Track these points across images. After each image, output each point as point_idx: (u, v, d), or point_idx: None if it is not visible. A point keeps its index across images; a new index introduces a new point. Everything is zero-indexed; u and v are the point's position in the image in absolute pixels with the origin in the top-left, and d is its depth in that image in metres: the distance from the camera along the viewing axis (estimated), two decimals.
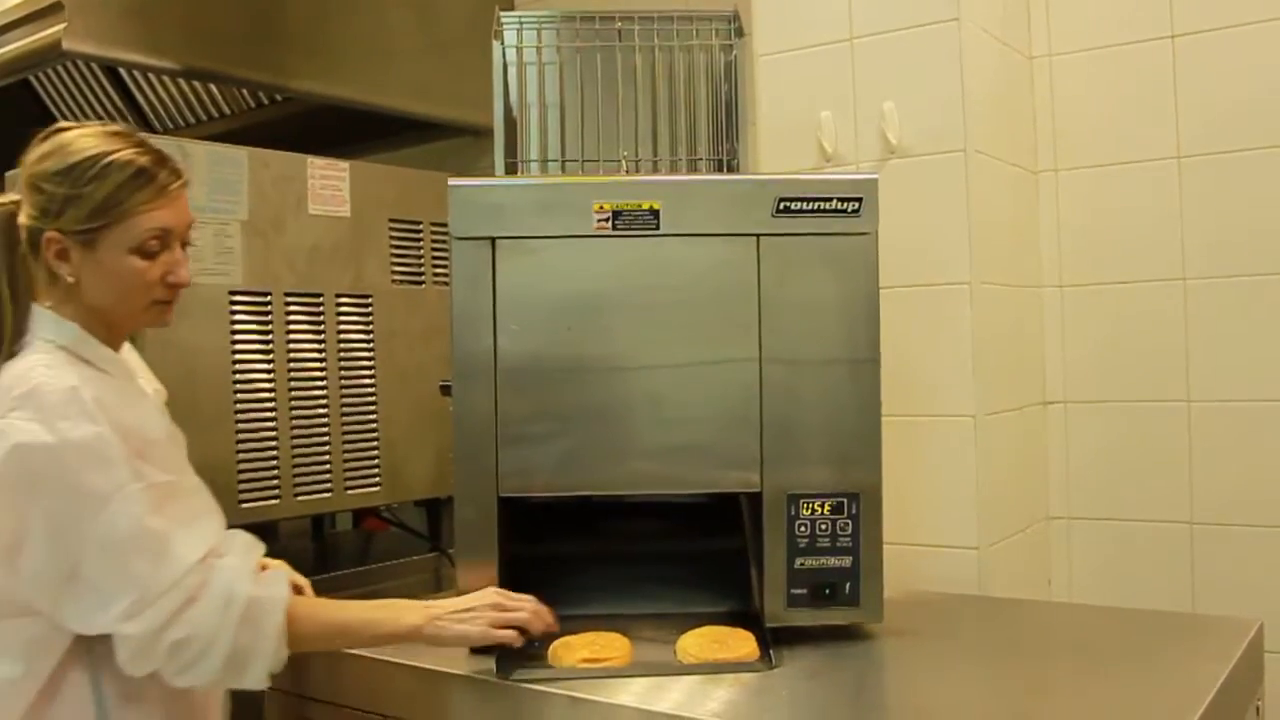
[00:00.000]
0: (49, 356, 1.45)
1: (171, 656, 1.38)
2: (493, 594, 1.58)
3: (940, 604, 1.96)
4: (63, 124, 1.52)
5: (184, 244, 1.55)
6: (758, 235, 1.68)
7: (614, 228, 1.67)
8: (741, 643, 1.61)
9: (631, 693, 1.49)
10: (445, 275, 2.41)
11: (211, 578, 1.41)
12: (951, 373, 2.07)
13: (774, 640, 1.65)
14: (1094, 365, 2.31)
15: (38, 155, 1.49)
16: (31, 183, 1.48)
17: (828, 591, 1.69)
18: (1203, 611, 2.18)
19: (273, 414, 2.12)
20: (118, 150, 1.47)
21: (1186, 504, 2.23)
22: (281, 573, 1.52)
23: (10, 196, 1.52)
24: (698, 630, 1.66)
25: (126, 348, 1.61)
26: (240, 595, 1.41)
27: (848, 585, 1.69)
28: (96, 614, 1.38)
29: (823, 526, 1.69)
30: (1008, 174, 2.23)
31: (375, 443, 2.30)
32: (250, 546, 1.50)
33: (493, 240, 1.68)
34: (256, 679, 1.43)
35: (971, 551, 2.07)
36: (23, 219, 1.49)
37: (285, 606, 1.44)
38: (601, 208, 1.67)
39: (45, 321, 1.49)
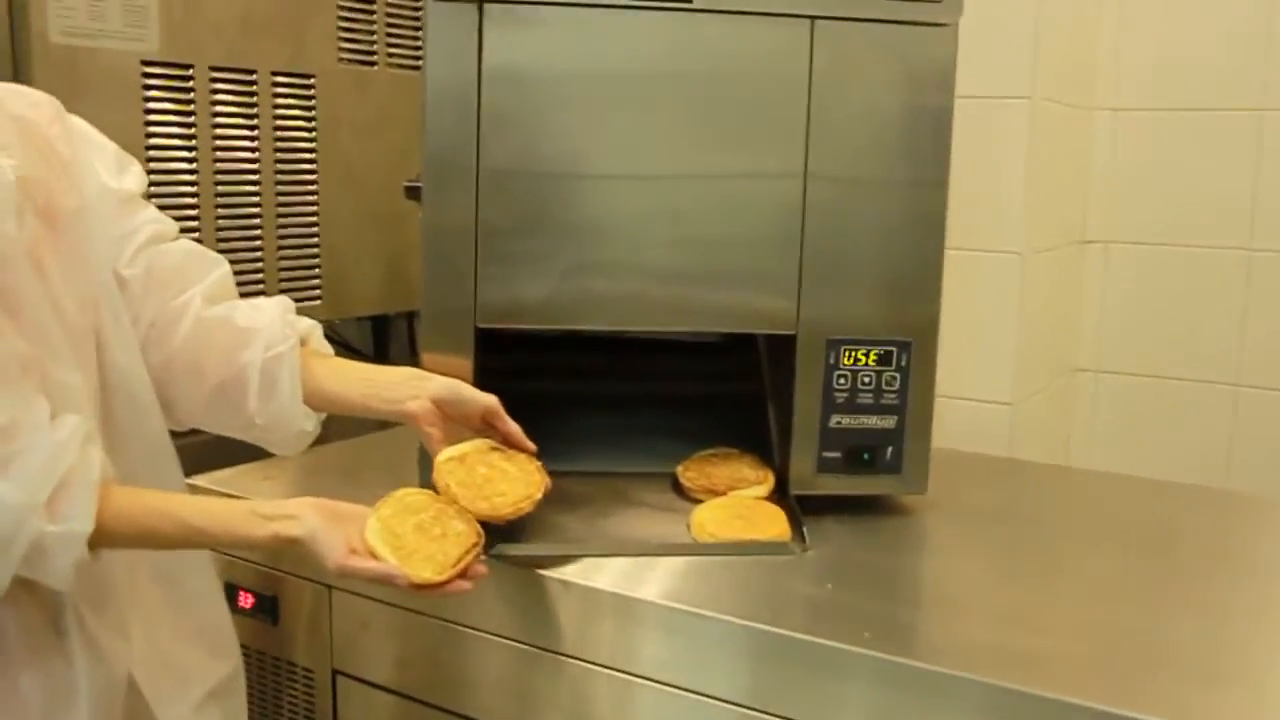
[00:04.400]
0: None
1: None
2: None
3: (976, 468, 1.71)
4: None
5: None
6: (813, 17, 1.35)
7: None
8: (770, 519, 1.34)
9: (615, 573, 1.23)
10: (401, 55, 2.05)
11: None
12: (1001, 202, 1.78)
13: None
14: (1143, 199, 2.03)
15: None
16: None
17: (866, 456, 1.42)
18: (1235, 485, 1.97)
19: (194, 212, 1.77)
20: None
21: (1234, 364, 1.99)
22: (86, 500, 1.05)
23: None
24: (717, 501, 1.38)
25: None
26: (25, 535, 1.03)
27: (889, 450, 1.43)
28: None
29: (866, 379, 1.41)
30: None
31: (315, 249, 1.97)
32: (55, 456, 1.04)
33: (480, 5, 1.33)
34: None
35: (1004, 407, 1.82)
36: None
37: (84, 542, 1.05)
38: None
39: None
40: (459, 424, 1.29)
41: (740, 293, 1.39)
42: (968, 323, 1.80)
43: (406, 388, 1.28)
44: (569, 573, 1.23)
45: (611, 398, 1.55)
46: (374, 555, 1.11)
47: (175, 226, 1.30)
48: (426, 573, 1.10)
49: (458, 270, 1.37)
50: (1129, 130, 2.02)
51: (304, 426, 1.29)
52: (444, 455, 1.24)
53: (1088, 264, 2.08)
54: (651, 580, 1.22)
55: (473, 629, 1.28)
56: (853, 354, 1.40)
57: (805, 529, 1.34)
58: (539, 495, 1.23)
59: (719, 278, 1.39)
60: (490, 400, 1.28)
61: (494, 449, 1.27)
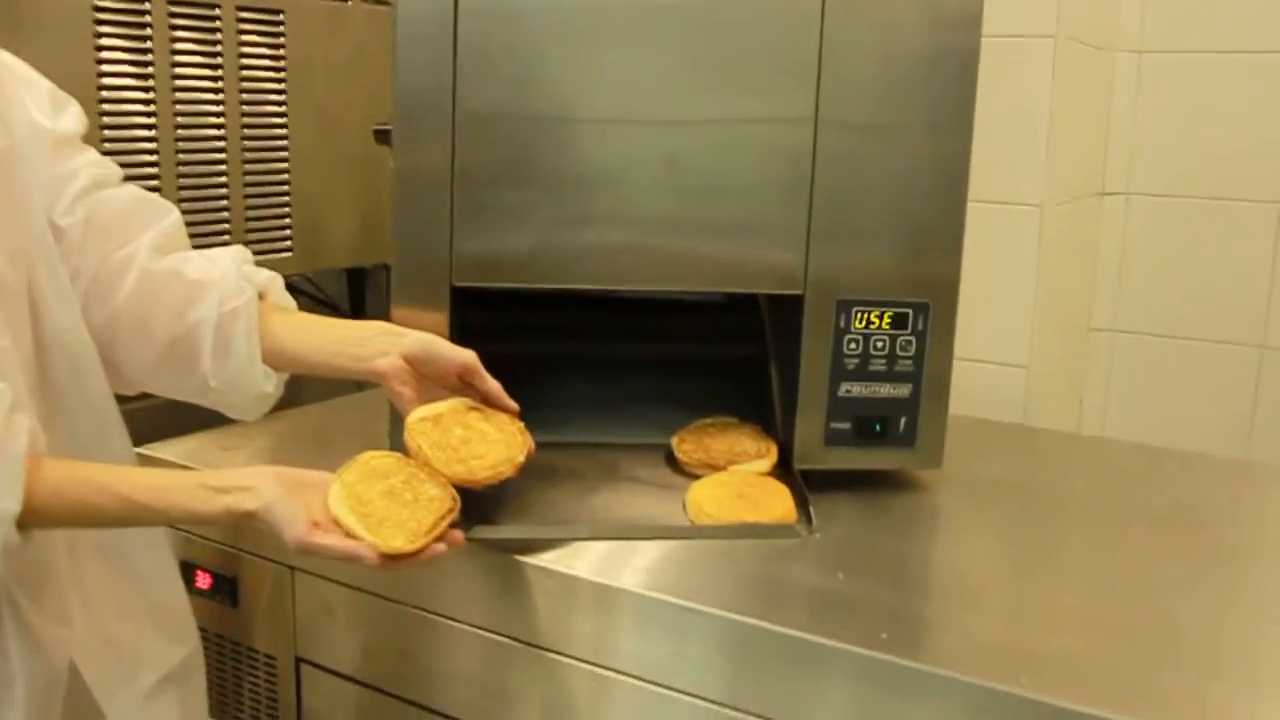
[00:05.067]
0: None
1: None
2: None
3: (989, 437, 1.59)
4: None
5: None
6: None
7: None
8: (774, 498, 1.23)
9: (600, 558, 1.12)
10: None
11: None
12: (1021, 151, 1.65)
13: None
14: (1167, 148, 1.91)
15: None
16: None
17: (878, 428, 1.31)
18: (1257, 454, 1.87)
19: (153, 160, 1.63)
20: None
21: (1260, 325, 1.87)
22: (13, 475, 0.94)
23: None
24: (716, 478, 1.27)
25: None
26: None
27: (902, 420, 1.31)
28: None
29: (879, 344, 1.29)
30: None
31: (285, 198, 1.84)
32: None
33: None
34: None
35: (1019, 370, 1.71)
36: None
37: (12, 521, 0.94)
38: None
39: None
40: (434, 383, 1.18)
41: (743, 248, 1.27)
42: (982, 280, 1.66)
43: (376, 344, 1.16)
44: (548, 558, 1.11)
45: (600, 360, 1.44)
46: (338, 524, 1.00)
47: (119, 171, 1.18)
48: (397, 541, 0.99)
49: (432, 223, 1.25)
50: (1153, 73, 1.90)
51: (263, 388, 1.17)
52: (416, 415, 1.13)
53: (1106, 217, 1.96)
54: (639, 567, 1.11)
55: (445, 617, 1.17)
56: (865, 316, 1.28)
57: (812, 509, 1.22)
58: (521, 458, 1.11)
59: (720, 232, 1.26)
60: (467, 356, 1.17)
61: (472, 409, 1.16)
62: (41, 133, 1.09)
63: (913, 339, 1.29)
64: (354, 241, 1.96)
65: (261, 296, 1.19)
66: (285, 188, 1.83)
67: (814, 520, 1.21)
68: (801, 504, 1.23)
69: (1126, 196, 1.94)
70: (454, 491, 1.06)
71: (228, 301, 1.15)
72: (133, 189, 1.18)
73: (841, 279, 1.28)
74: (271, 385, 1.18)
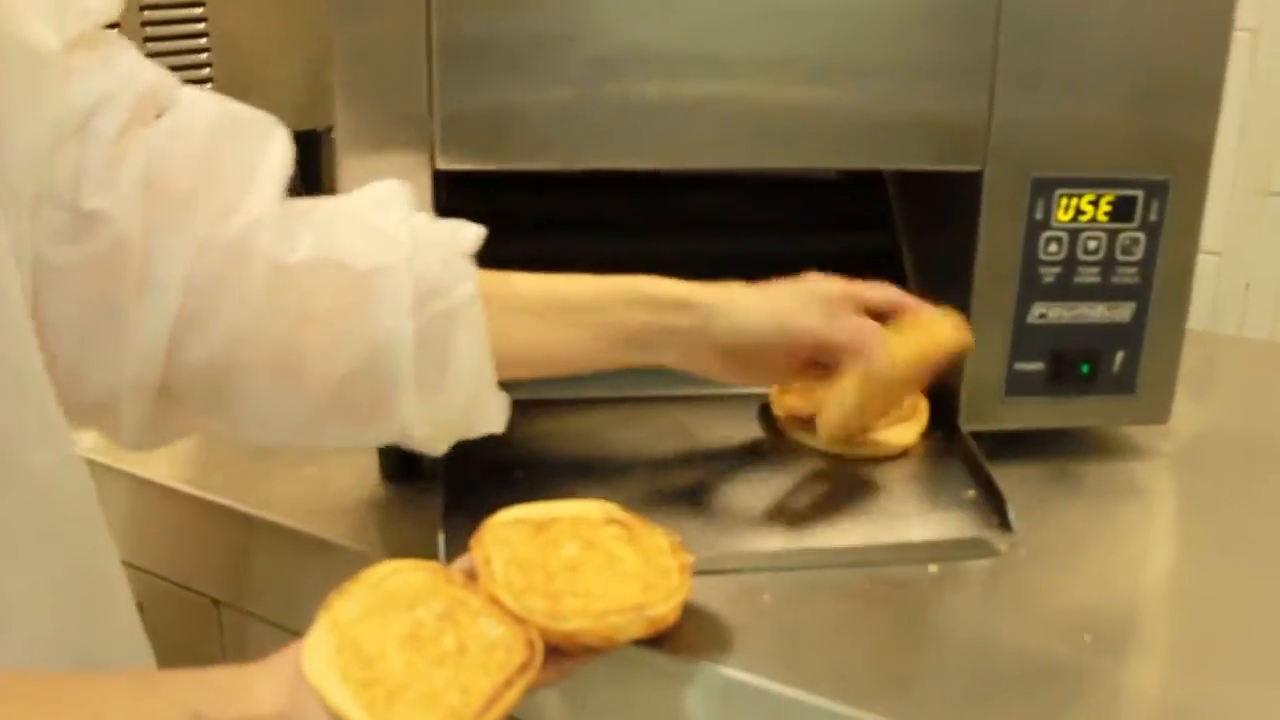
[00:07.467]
0: None
1: None
2: None
3: (1194, 359, 1.15)
4: None
5: None
6: None
7: None
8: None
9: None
10: None
11: None
12: None
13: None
14: None
15: None
16: None
17: (1085, 369, 0.88)
18: None
19: None
20: None
21: None
22: None
23: None
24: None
25: None
26: None
27: (1119, 356, 0.88)
28: None
29: (1091, 243, 0.85)
30: None
31: (202, 41, 1.37)
32: None
33: None
34: None
35: (1211, 259, 1.28)
36: None
37: None
38: None
39: None
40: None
41: (887, 103, 0.81)
42: None
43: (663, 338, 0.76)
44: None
45: (654, 267, 0.99)
46: (328, 707, 0.54)
47: (171, 77, 0.67)
48: None
49: (400, 72, 0.79)
50: None
51: (495, 422, 0.71)
52: (510, 513, 0.66)
53: None
54: (748, 629, 0.68)
55: None
56: (1072, 202, 0.84)
57: (1010, 510, 0.79)
58: (661, 611, 0.62)
59: (850, 79, 0.80)
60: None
61: (613, 521, 0.67)
62: (29, 54, 0.56)
63: (1141, 236, 0.85)
64: (298, 96, 1.49)
65: None
66: (201, 26, 1.36)
67: (1013, 523, 0.78)
68: (989, 496, 0.80)
69: None
70: (533, 634, 0.59)
71: (432, 298, 0.66)
72: (199, 100, 0.67)
73: (1039, 147, 0.82)
74: (505, 414, 0.72)
